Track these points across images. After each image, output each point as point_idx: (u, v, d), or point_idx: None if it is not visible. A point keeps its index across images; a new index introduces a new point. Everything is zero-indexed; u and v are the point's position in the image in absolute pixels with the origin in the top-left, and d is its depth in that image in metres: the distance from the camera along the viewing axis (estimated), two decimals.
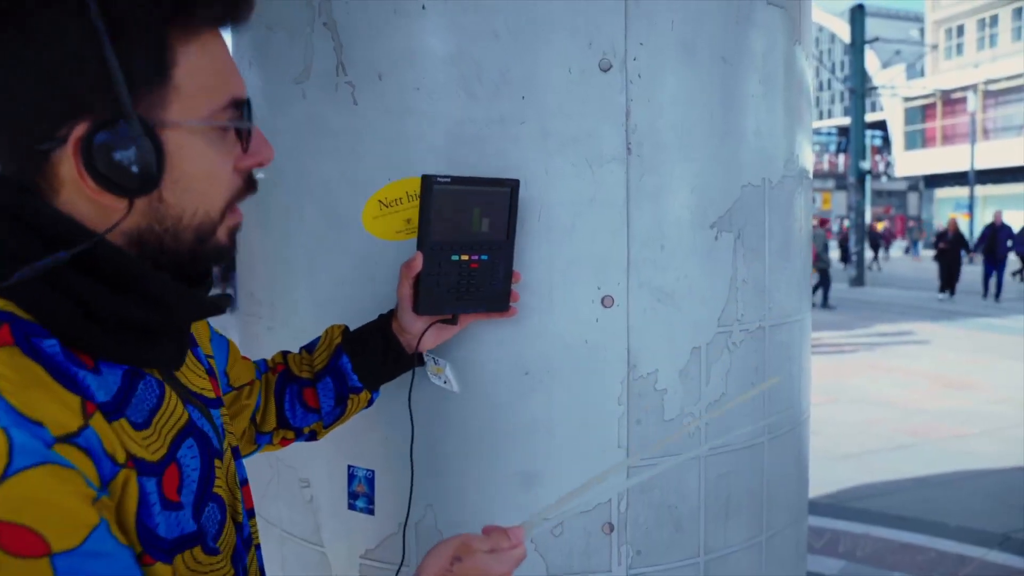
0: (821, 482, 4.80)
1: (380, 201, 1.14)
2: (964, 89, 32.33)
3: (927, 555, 3.72)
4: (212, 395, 0.78)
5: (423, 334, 1.02)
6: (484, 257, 1.02)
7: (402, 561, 1.07)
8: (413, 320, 1.02)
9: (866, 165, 18.23)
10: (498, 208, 1.02)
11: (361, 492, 1.19)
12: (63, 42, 0.59)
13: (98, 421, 0.59)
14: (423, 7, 1.11)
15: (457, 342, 1.11)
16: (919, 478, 4.92)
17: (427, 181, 0.98)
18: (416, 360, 1.06)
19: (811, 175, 1.49)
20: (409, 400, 1.07)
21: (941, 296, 15.04)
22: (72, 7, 0.58)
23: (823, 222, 16.75)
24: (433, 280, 1.00)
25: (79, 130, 0.60)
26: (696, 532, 1.19)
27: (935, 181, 36.30)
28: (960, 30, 35.07)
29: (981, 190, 33.20)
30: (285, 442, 1.04)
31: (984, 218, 31.66)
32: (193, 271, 0.70)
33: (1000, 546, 3.81)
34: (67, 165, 0.61)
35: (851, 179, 18.35)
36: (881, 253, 28.51)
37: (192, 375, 0.76)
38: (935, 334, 11.20)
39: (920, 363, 9.02)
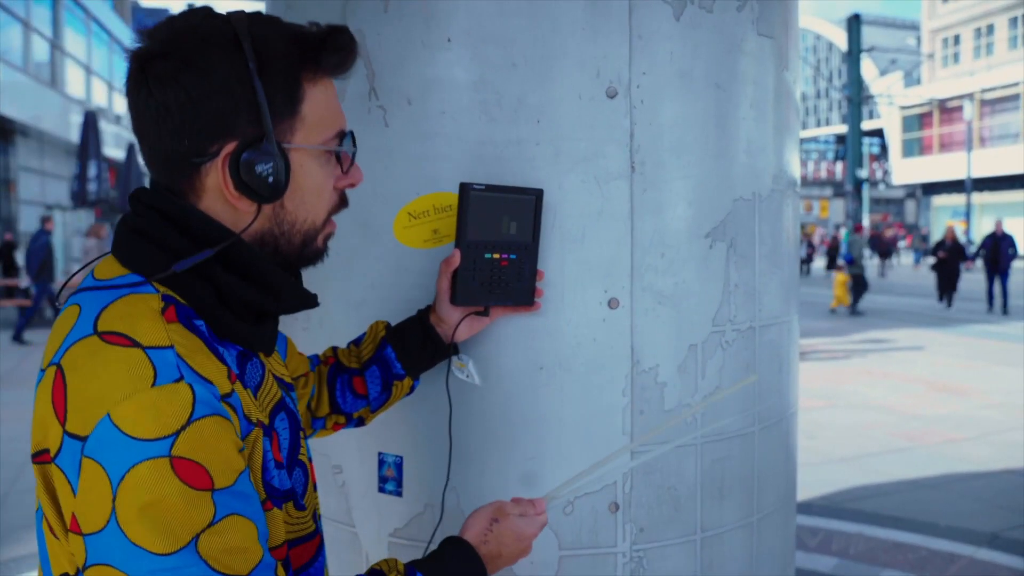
0: (817, 484, 4.94)
1: (409, 213, 1.27)
2: (960, 98, 32.58)
3: (918, 553, 3.85)
4: (289, 380, 0.92)
5: (458, 324, 1.16)
6: (513, 256, 1.15)
7: (438, 525, 1.20)
8: (451, 311, 1.15)
9: (863, 173, 18.39)
10: (525, 214, 1.16)
11: (390, 476, 1.31)
12: (221, 75, 0.74)
13: (239, 387, 0.74)
14: (448, 40, 1.25)
15: (479, 340, 1.24)
16: (912, 480, 5.05)
17: (464, 188, 1.12)
18: (452, 349, 1.19)
19: (799, 185, 1.63)
20: (447, 384, 1.20)
21: (939, 306, 15.05)
22: (229, 48, 0.73)
23: (858, 228, 16.38)
24: (469, 275, 1.13)
25: (229, 147, 0.75)
26: (693, 512, 1.32)
27: (932, 189, 36.53)
28: (956, 39, 35.37)
29: (978, 198, 33.44)
30: (337, 426, 1.18)
31: (981, 225, 31.92)
32: (295, 270, 0.85)
33: (989, 544, 3.94)
34: (213, 176, 0.76)
35: (848, 187, 18.51)
36: (890, 260, 28.72)
37: (275, 362, 0.90)
38: (931, 340, 11.35)
39: (916, 369, 9.15)
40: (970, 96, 32.59)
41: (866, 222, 46.88)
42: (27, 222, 19.14)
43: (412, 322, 1.18)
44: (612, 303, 1.26)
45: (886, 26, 56.77)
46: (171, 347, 0.70)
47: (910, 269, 29.22)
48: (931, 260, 16.29)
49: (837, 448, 5.83)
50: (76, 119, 20.97)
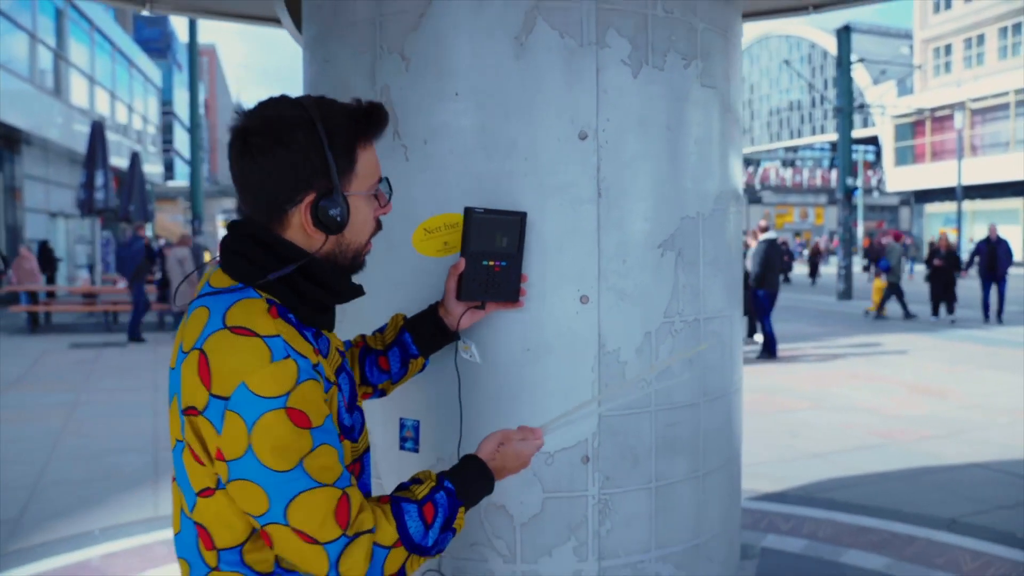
0: (794, 477, 5.29)
1: (425, 229, 1.62)
2: (951, 107, 33.03)
3: (880, 535, 4.20)
4: (343, 350, 1.27)
5: (462, 316, 1.51)
6: (504, 264, 1.51)
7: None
8: (456, 306, 1.50)
9: (853, 181, 18.77)
10: (513, 231, 1.51)
11: (409, 437, 1.66)
12: (304, 149, 1.09)
13: (320, 359, 1.09)
14: (456, 94, 1.61)
15: (478, 328, 1.59)
16: (882, 473, 5.39)
17: (468, 211, 1.48)
18: (456, 336, 1.54)
19: (741, 199, 1.98)
20: (456, 362, 1.55)
21: (934, 319, 14.39)
22: (308, 128, 1.08)
23: (898, 236, 16.09)
24: (471, 277, 1.48)
25: (309, 198, 1.10)
26: (649, 465, 1.68)
27: (924, 196, 36.95)
28: (948, 49, 35.84)
29: (969, 205, 33.85)
30: (365, 396, 1.52)
31: (972, 232, 32.32)
32: (349, 274, 1.20)
33: (947, 528, 4.29)
34: (297, 216, 1.11)
35: (839, 195, 18.88)
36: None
37: (334, 338, 1.25)
38: (916, 345, 11.69)
39: (900, 372, 9.48)
40: (961, 105, 33.04)
41: (860, 229, 47.24)
42: (33, 229, 19.49)
43: (425, 314, 1.53)
44: (583, 299, 1.62)
45: (880, 35, 57.24)
46: (279, 336, 1.04)
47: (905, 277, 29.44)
48: (923, 270, 16.11)
49: (816, 445, 6.17)
50: (79, 128, 21.33)
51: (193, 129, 22.93)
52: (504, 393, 1.60)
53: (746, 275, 10.83)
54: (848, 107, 18.29)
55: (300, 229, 1.13)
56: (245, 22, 4.07)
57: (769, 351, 10.64)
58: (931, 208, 36.65)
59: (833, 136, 63.38)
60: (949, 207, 33.76)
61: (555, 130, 1.60)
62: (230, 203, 48.06)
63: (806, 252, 29.10)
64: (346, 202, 1.13)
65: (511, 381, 1.61)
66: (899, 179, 38.61)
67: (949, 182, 31.96)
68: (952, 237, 25.76)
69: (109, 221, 26.03)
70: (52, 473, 5.56)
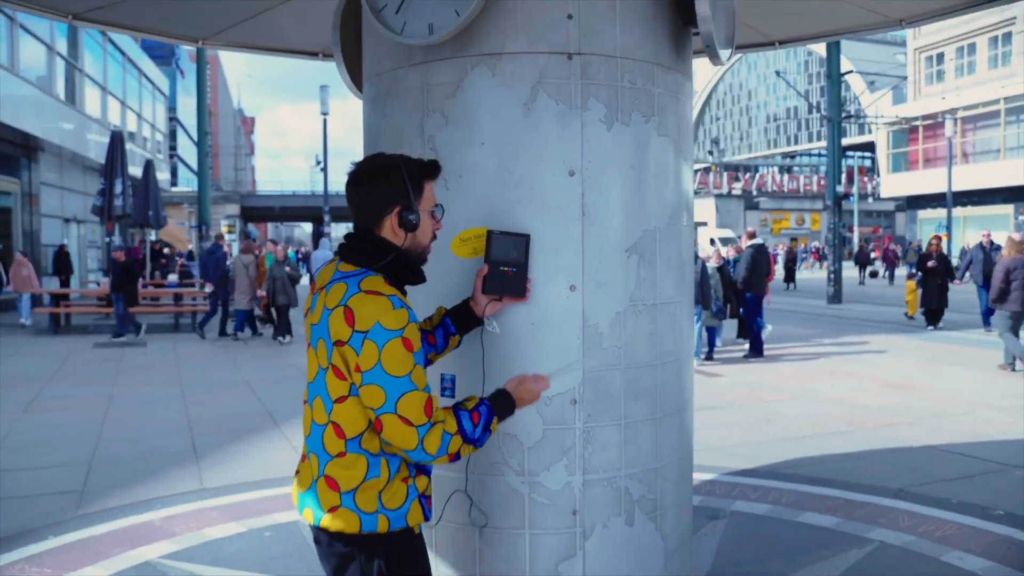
0: (766, 456, 5.95)
1: (460, 239, 2.29)
2: (943, 114, 33.74)
3: (836, 501, 4.86)
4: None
5: (486, 306, 2.18)
6: (514, 269, 2.17)
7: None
8: (481, 298, 2.17)
9: (842, 189, 19.43)
10: (521, 246, 2.18)
11: (447, 387, 2.33)
12: (396, 183, 1.77)
13: (413, 315, 1.76)
14: (482, 143, 2.28)
15: (501, 310, 2.25)
16: (844, 454, 6.06)
17: (490, 232, 2.15)
18: (481, 321, 2.20)
19: (692, 214, 2.65)
20: (481, 337, 2.22)
21: (930, 328, 14.07)
22: (398, 171, 1.77)
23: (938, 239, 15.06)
24: (491, 279, 2.15)
25: (396, 209, 1.79)
26: (620, 407, 2.34)
27: (917, 202, 37.62)
28: (940, 58, 36.55)
29: (961, 211, 34.54)
30: None
31: (965, 238, 33.01)
32: (419, 265, 1.87)
33: (894, 496, 4.95)
34: (389, 222, 1.79)
35: (828, 202, 19.55)
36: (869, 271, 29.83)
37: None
38: (894, 345, 12.36)
39: (875, 369, 10.15)
40: (952, 112, 33.76)
41: (856, 235, 47.81)
42: (48, 234, 20.16)
43: (460, 306, 2.20)
44: (572, 288, 2.29)
45: (876, 42, 57.91)
46: (395, 295, 1.72)
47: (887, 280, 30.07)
48: (912, 274, 15.77)
49: (788, 431, 6.83)
50: (91, 136, 22.00)
51: (201, 137, 23.57)
52: (515, 354, 2.27)
53: (732, 277, 11.51)
54: (837, 117, 18.97)
55: (390, 230, 1.82)
56: (293, 56, 4.78)
57: (756, 350, 11.31)
58: (924, 214, 37.33)
59: (824, 144, 64.03)
60: (942, 213, 34.42)
61: (551, 169, 2.27)
62: (233, 208, 48.71)
63: (781, 257, 29.67)
64: (417, 213, 1.81)
65: (520, 346, 2.28)
66: (893, 185, 39.31)
67: (941, 188, 32.66)
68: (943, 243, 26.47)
69: (120, 227, 26.67)
70: (103, 453, 6.22)
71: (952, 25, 35.48)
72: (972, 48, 34.95)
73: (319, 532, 1.82)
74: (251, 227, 60.65)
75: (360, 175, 1.85)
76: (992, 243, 14.27)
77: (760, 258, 11.40)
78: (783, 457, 5.97)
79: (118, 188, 14.37)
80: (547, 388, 1.99)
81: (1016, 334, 9.96)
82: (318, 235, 66.70)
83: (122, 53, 25.30)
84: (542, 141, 2.27)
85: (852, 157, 64.36)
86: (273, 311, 13.14)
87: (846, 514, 4.65)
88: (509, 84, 2.27)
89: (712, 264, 11.36)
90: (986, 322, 13.56)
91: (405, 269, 1.83)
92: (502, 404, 1.91)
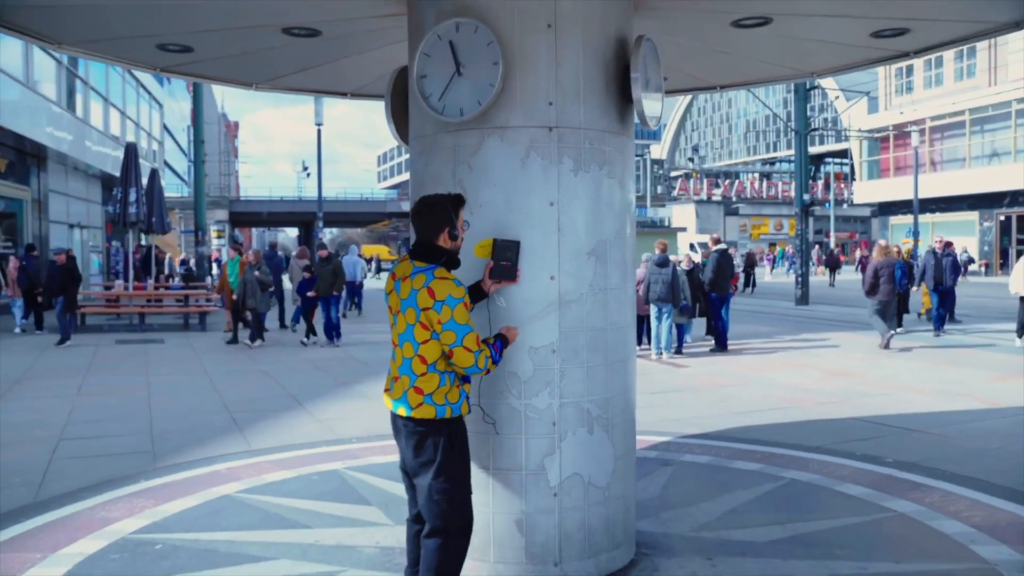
0: (714, 426, 7.22)
1: (479, 245, 3.56)
2: (911, 125, 35.38)
3: (763, 454, 6.15)
4: None
5: (491, 286, 3.44)
6: (509, 263, 3.44)
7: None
8: (488, 283, 3.43)
9: (808, 197, 20.84)
10: (514, 248, 3.45)
11: None
12: (446, 212, 3.06)
13: (466, 289, 3.04)
14: (494, 184, 3.55)
15: (503, 291, 3.51)
16: (780, 423, 7.36)
17: (495, 240, 3.42)
18: (487, 295, 3.46)
19: (634, 228, 3.94)
20: (488, 307, 3.49)
21: (894, 332, 13.76)
22: (446, 204, 3.05)
23: (948, 245, 15.80)
24: (495, 269, 3.41)
25: (447, 228, 3.07)
26: (584, 355, 3.62)
27: (889, 208, 39.25)
28: (909, 70, 38.23)
29: (930, 217, 36.17)
30: None
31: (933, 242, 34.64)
32: (457, 259, 3.15)
33: (810, 450, 6.24)
34: (442, 235, 3.07)
35: (796, 210, 20.96)
36: (839, 273, 31.32)
37: None
38: (848, 341, 13.71)
39: (824, 361, 11.49)
40: (920, 123, 35.41)
41: (832, 239, 49.32)
42: (56, 239, 21.20)
43: (474, 286, 3.45)
44: (552, 278, 3.56)
45: None
46: (457, 278, 2.98)
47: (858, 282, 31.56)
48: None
49: (738, 408, 8.12)
50: (94, 146, 23.06)
51: (197, 147, 24.70)
52: (511, 318, 3.53)
53: (701, 279, 12.84)
54: (803, 130, 20.40)
55: (443, 240, 3.07)
56: (325, 96, 6.06)
57: (720, 345, 12.64)
58: (895, 220, 38.96)
59: (809, 149, 65.81)
60: (911, 219, 36.08)
61: (538, 201, 3.54)
62: (222, 214, 49.77)
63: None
64: (458, 232, 3.08)
65: (515, 313, 3.54)
66: (866, 192, 40.92)
67: (910, 195, 34.29)
68: (905, 248, 27.99)
69: (117, 231, 27.67)
70: (158, 426, 7.41)
71: None
72: (939, 61, 36.65)
73: (406, 421, 3.07)
74: (236, 232, 61.60)
75: (422, 208, 3.11)
76: (944, 249, 14.91)
77: (724, 262, 12.72)
78: (729, 426, 7.27)
79: (132, 196, 15.51)
80: (516, 335, 3.28)
81: (884, 319, 12.52)
82: (307, 239, 67.95)
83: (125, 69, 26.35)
84: (532, 183, 3.54)
85: (831, 163, 66.25)
86: (248, 315, 13.51)
87: (769, 462, 5.94)
88: (511, 146, 3.54)
89: (683, 267, 12.69)
90: (937, 326, 14.45)
91: (452, 263, 3.09)
92: (505, 341, 3.20)
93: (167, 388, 9.39)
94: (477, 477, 3.48)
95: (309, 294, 13.90)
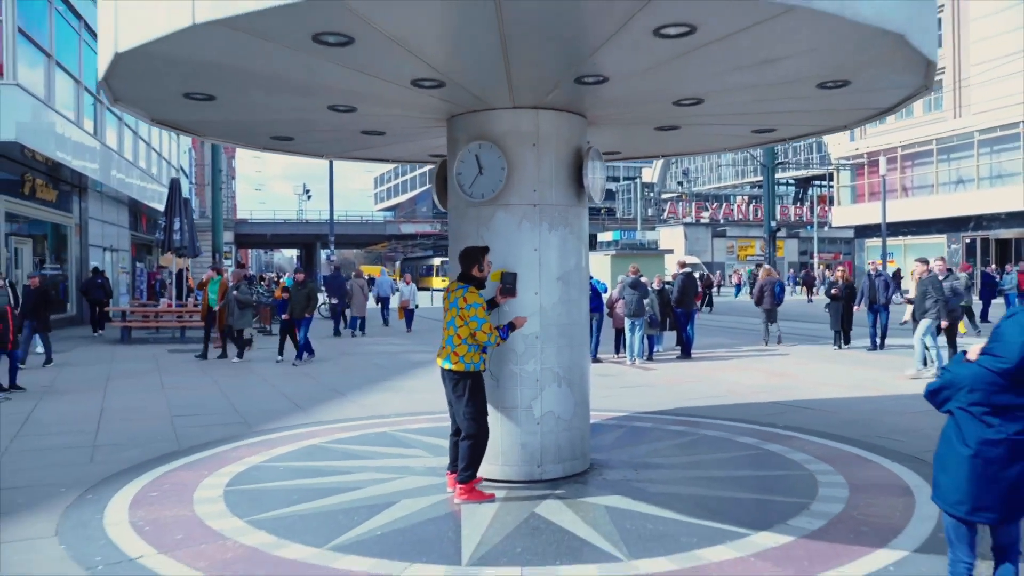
0: (664, 407, 9.68)
1: (492, 275, 6.06)
2: (884, 152, 38.14)
3: (689, 422, 8.61)
4: None
5: (501, 299, 5.94)
6: (510, 285, 5.93)
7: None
8: (499, 297, 5.93)
9: (775, 224, 23.43)
10: (513, 278, 5.94)
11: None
12: (479, 257, 5.62)
13: (485, 299, 5.57)
14: (500, 239, 6.06)
15: (510, 302, 6.00)
16: (715, 405, 9.83)
17: (502, 271, 5.93)
18: (497, 304, 5.96)
19: (588, 262, 6.46)
20: (499, 309, 6.00)
21: (835, 348, 16.19)
22: (477, 253, 5.61)
23: (965, 267, 16.44)
24: (503, 289, 5.90)
25: (477, 264, 5.62)
26: (555, 340, 6.11)
27: (864, 231, 41.92)
28: None
29: (903, 240, 38.87)
30: None
31: (907, 265, 37.26)
32: (484, 283, 5.67)
33: (728, 419, 8.71)
34: (475, 268, 5.60)
35: (765, 235, 23.54)
36: (814, 291, 33.80)
37: None
38: (798, 351, 16.18)
39: (770, 365, 13.95)
40: (892, 151, 38.18)
41: (816, 260, 51.85)
42: (93, 260, 23.65)
43: (491, 299, 5.94)
44: (535, 294, 6.06)
45: None
46: (481, 293, 5.48)
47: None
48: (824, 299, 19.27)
49: (686, 397, 10.58)
50: (125, 176, 25.55)
51: (215, 175, 27.21)
52: (512, 314, 6.04)
53: (670, 297, 15.35)
54: (770, 164, 23.03)
55: (476, 271, 5.58)
56: (381, 163, 8.69)
57: (685, 353, 15.12)
58: (870, 242, 41.59)
59: (795, 173, 68.73)
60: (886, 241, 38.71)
61: (527, 248, 6.06)
62: (228, 236, 52.18)
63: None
64: (484, 268, 5.58)
65: (514, 314, 6.02)
66: (844, 216, 43.59)
67: (886, 218, 36.94)
68: (891, 269, 30.56)
69: (140, 254, 30.17)
70: (240, 409, 9.85)
71: None
72: None
73: (448, 372, 5.56)
74: (237, 254, 64.11)
75: (467, 253, 5.62)
76: (878, 272, 16.07)
77: (688, 283, 15.26)
78: (674, 406, 9.74)
79: (177, 225, 17.98)
80: (524, 321, 5.78)
81: (770, 321, 16.83)
82: (308, 260, 70.67)
83: None
84: (523, 238, 6.06)
85: (818, 186, 69.12)
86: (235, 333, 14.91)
87: (692, 426, 8.41)
88: (511, 215, 6.06)
89: (654, 287, 15.21)
90: (874, 344, 15.97)
91: (479, 285, 5.58)
92: (511, 327, 5.70)
93: (231, 385, 11.84)
94: (491, 412, 5.95)
95: (283, 316, 15.06)
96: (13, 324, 10.83)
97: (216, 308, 15.40)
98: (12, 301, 12.79)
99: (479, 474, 5.76)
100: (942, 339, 12.71)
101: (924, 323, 12.04)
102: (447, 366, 5.61)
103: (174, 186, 18.38)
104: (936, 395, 3.48)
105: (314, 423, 8.83)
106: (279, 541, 4.90)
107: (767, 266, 18.01)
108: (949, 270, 13.17)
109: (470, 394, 5.59)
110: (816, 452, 7.13)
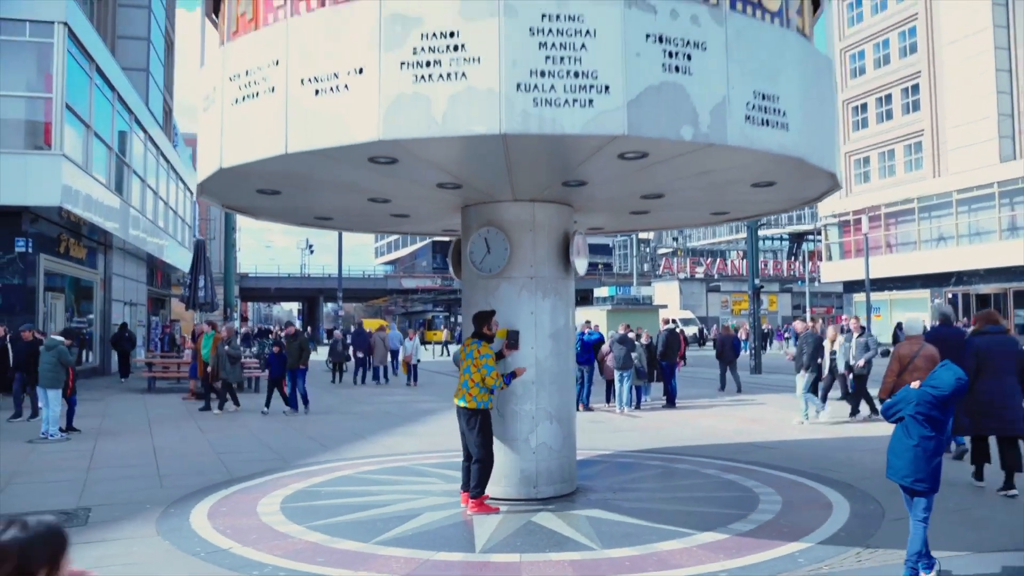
0: (648, 446, 11.21)
1: (499, 333, 7.69)
2: (868, 211, 40.12)
3: (666, 458, 10.14)
4: None
5: (506, 352, 7.55)
6: (513, 341, 7.56)
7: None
8: (505, 350, 7.55)
9: (759, 282, 25.12)
10: (516, 334, 7.58)
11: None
12: (489, 317, 7.27)
13: (494, 352, 7.21)
14: (504, 304, 7.71)
15: (512, 355, 7.61)
16: (689, 446, 11.35)
17: (508, 330, 7.56)
18: (503, 355, 7.58)
19: (574, 320, 8.09)
20: (505, 360, 7.62)
21: (720, 392, 19.63)
22: (487, 315, 7.26)
23: (975, 321, 18.60)
24: (508, 344, 7.53)
25: (487, 324, 7.26)
26: (547, 385, 7.71)
27: (852, 287, 43.68)
28: (866, 160, 43.24)
29: (888, 294, 40.61)
30: None
31: (892, 318, 38.92)
32: (493, 339, 7.32)
33: (700, 455, 10.24)
34: (485, 327, 7.24)
35: (749, 291, 25.21)
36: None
37: None
38: (775, 400, 17.70)
39: (747, 413, 15.48)
40: (875, 209, 40.17)
41: (808, 314, 53.42)
42: (116, 314, 25.27)
43: (499, 352, 7.55)
44: (531, 348, 7.68)
45: None
46: (491, 346, 7.10)
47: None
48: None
49: (666, 439, 12.11)
50: (145, 235, 27.31)
51: (228, 233, 28.95)
52: (515, 365, 7.65)
53: (656, 350, 16.95)
54: (754, 226, 24.79)
55: (486, 329, 7.20)
56: (408, 235, 10.45)
57: (670, 402, 16.66)
58: (857, 297, 43.34)
59: (789, 229, 70.83)
60: (872, 295, 40.43)
61: (526, 312, 7.69)
62: (235, 289, 54.05)
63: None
64: (492, 327, 7.21)
65: (515, 364, 7.65)
66: (833, 271, 45.41)
67: (871, 274, 38.71)
68: (875, 322, 32.23)
69: (156, 308, 31.77)
70: (273, 448, 11.36)
71: (875, 133, 42.32)
72: (892, 154, 41.69)
73: (462, 409, 7.15)
74: (234, 314, 65.78)
75: (479, 315, 7.25)
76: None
77: (672, 338, 16.89)
78: (656, 446, 11.27)
79: (201, 283, 19.66)
80: (526, 373, 7.38)
81: (732, 372, 18.90)
82: (310, 314, 72.36)
83: (166, 160, 30.86)
84: (523, 304, 7.70)
85: (811, 241, 71.17)
86: (220, 384, 15.75)
87: (668, 461, 9.95)
88: (513, 286, 7.71)
89: (642, 341, 16.82)
90: (844, 394, 18.74)
91: (489, 340, 7.20)
92: (513, 375, 7.31)
93: (262, 428, 13.36)
94: (496, 443, 7.51)
95: (267, 371, 15.83)
96: (73, 372, 12.39)
97: (208, 361, 16.00)
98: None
99: (486, 492, 7.30)
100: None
101: (804, 377, 13.78)
102: (462, 404, 7.20)
103: (199, 248, 20.13)
104: (889, 409, 5.41)
105: (341, 460, 10.35)
106: (333, 539, 6.43)
107: (726, 324, 21.09)
108: (863, 328, 14.93)
109: (480, 427, 7.17)
110: (766, 480, 8.67)
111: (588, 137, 5.56)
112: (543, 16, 5.44)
